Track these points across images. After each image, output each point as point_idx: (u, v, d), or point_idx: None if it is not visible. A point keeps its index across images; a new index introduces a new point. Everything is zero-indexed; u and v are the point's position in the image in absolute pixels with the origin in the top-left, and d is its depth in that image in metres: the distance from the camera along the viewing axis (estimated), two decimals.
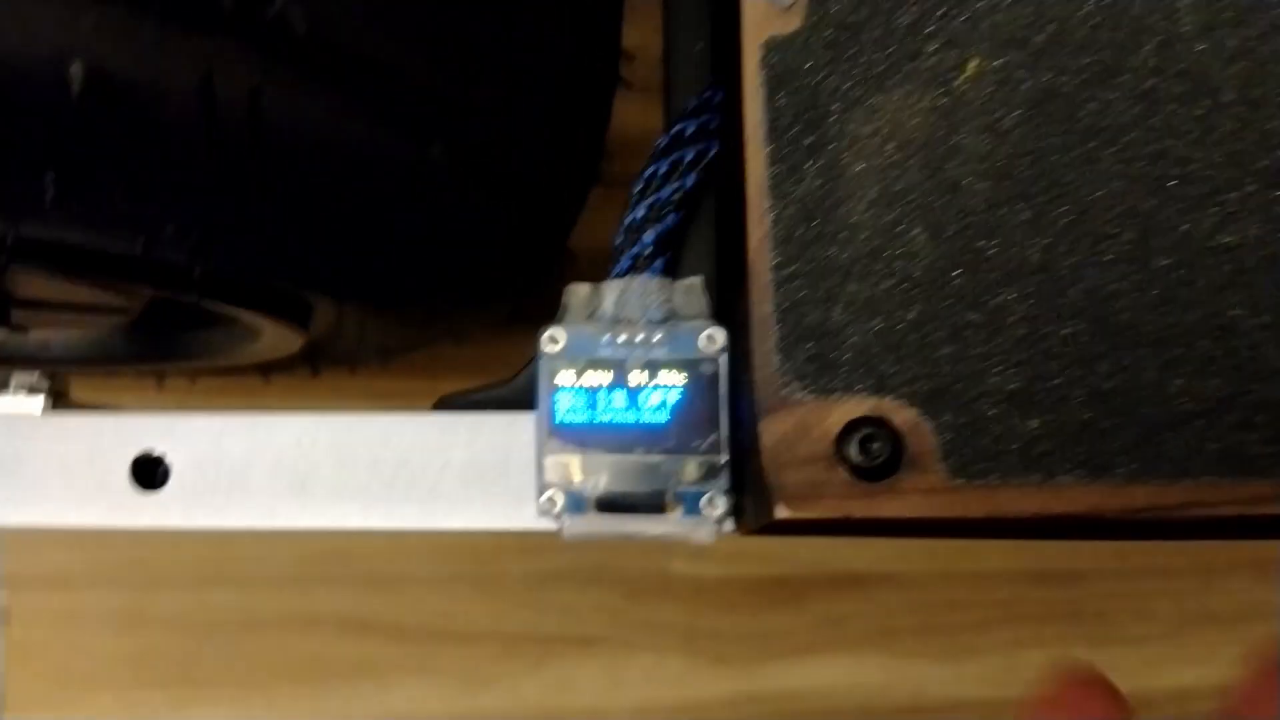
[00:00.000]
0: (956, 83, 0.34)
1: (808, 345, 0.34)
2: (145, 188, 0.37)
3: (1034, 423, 0.33)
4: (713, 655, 0.87)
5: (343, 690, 0.85)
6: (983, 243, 0.34)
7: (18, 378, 0.41)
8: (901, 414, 0.34)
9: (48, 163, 0.36)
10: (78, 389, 0.44)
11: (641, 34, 0.52)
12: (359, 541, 0.84)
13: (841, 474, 0.34)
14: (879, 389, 0.34)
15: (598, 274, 0.40)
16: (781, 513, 0.34)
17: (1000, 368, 0.34)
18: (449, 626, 0.86)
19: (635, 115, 0.55)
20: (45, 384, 0.41)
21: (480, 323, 0.62)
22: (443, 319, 0.58)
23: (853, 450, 0.33)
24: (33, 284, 0.49)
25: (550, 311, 0.38)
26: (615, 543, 0.38)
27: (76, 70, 0.33)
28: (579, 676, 0.86)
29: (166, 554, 0.85)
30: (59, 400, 0.41)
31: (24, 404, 0.41)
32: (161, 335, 0.65)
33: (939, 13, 0.34)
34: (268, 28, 0.35)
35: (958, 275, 0.34)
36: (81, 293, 0.49)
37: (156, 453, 0.39)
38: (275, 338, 0.57)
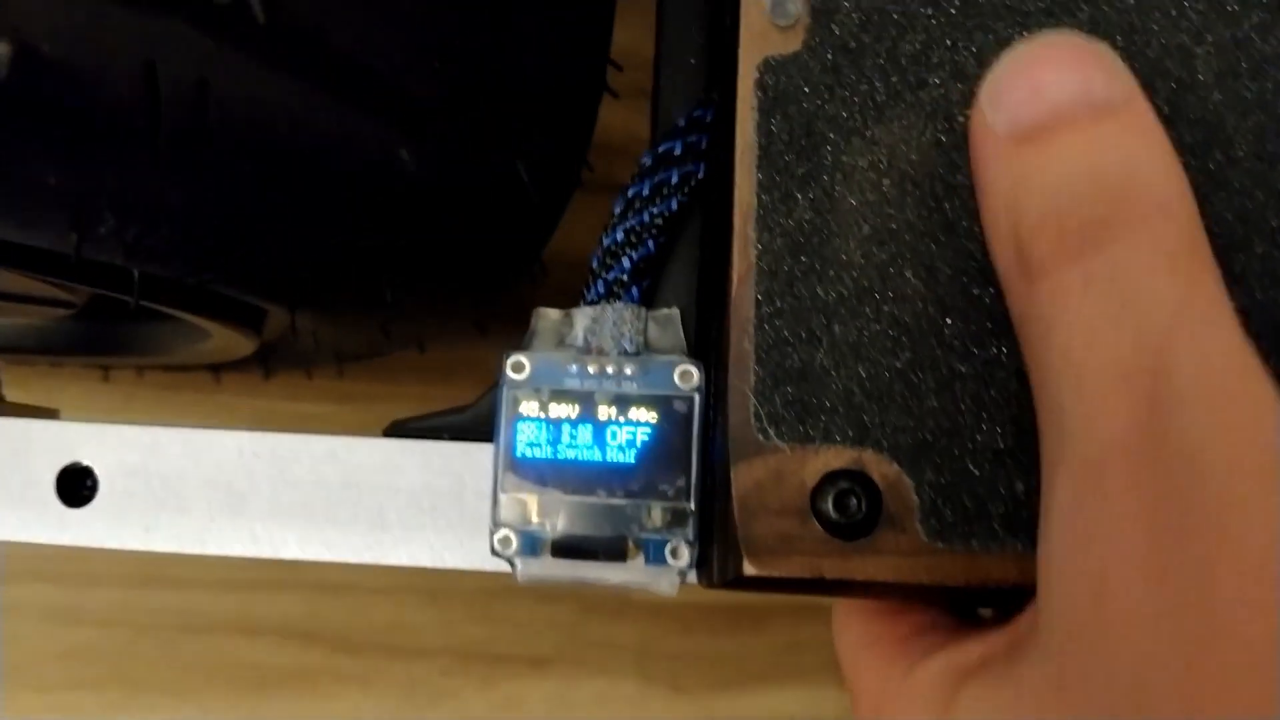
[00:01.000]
0: (960, 118, 0.32)
1: (787, 389, 0.32)
2: (78, 179, 0.35)
3: (1020, 485, 0.31)
4: (667, 680, 0.86)
5: (282, 701, 0.83)
6: (979, 290, 0.32)
7: None
8: (882, 468, 0.32)
9: None
10: (15, 385, 0.42)
11: (631, 36, 0.50)
12: None
13: (815, 530, 0.32)
14: (860, 440, 0.32)
15: (575, 280, 0.37)
16: (749, 569, 0.32)
17: (990, 424, 0.32)
18: (396, 640, 0.84)
19: (619, 119, 0.54)
20: None
21: (443, 334, 0.60)
22: (403, 328, 0.56)
23: (828, 505, 0.31)
24: None
25: (519, 320, 0.36)
26: None
27: (3, 49, 0.31)
28: (529, 696, 0.84)
29: (103, 550, 0.82)
30: None
31: None
32: (107, 330, 0.63)
33: (946, 43, 0.32)
34: (220, 12, 0.33)
35: (951, 323, 0.32)
36: (21, 284, 0.46)
37: (85, 463, 0.36)
38: (226, 340, 0.54)
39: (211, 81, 0.33)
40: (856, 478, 0.32)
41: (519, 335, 0.36)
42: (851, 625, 0.35)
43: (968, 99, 0.32)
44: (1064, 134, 0.27)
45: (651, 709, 0.85)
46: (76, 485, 0.37)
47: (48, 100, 0.32)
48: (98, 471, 0.36)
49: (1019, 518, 0.31)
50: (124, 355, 0.65)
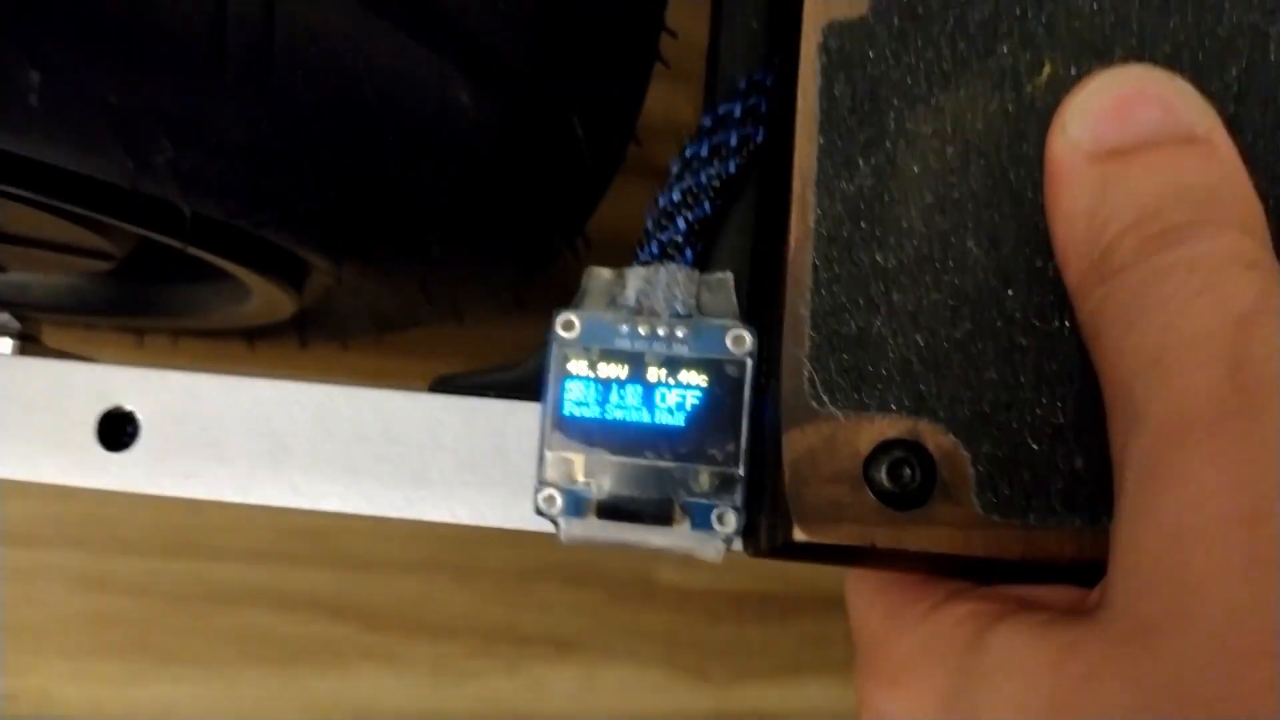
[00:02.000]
0: (1028, 87, 0.32)
1: (843, 355, 0.31)
2: (138, 100, 0.34)
3: (1080, 461, 0.30)
4: (693, 668, 0.86)
5: (307, 675, 0.83)
6: (1042, 262, 0.31)
7: None
8: (938, 439, 0.31)
9: (32, 60, 0.32)
10: (52, 338, 0.41)
11: (675, 16, 0.50)
12: (337, 520, 0.81)
13: (867, 498, 0.31)
14: (916, 410, 0.31)
15: (609, 262, 0.37)
16: (798, 535, 0.31)
17: (1049, 399, 0.31)
18: (423, 617, 0.84)
19: (659, 99, 0.53)
20: (15, 325, 0.38)
21: (483, 303, 0.59)
22: (444, 291, 0.55)
23: (882, 474, 0.31)
24: (12, 217, 0.46)
25: (556, 300, 0.36)
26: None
27: None
28: (554, 680, 0.84)
29: (134, 515, 0.83)
30: (28, 344, 0.38)
31: None
32: (146, 288, 0.62)
33: (1015, 11, 0.32)
34: None
35: (1013, 294, 0.31)
36: (64, 231, 0.46)
37: (126, 408, 0.36)
38: (266, 300, 0.54)
39: (279, 3, 0.33)
40: (911, 447, 0.31)
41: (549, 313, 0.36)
42: (869, 576, 0.35)
43: (1036, 68, 0.31)
44: (1151, 152, 0.29)
45: (677, 697, 0.85)
46: (117, 429, 0.36)
47: (112, 14, 0.32)
48: (139, 416, 0.36)
49: (1078, 494, 0.30)
50: (161, 317, 0.65)
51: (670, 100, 0.55)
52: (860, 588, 0.35)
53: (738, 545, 0.35)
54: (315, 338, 0.69)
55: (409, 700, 0.83)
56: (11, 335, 0.38)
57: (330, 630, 0.83)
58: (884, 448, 0.31)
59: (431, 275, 0.51)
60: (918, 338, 0.31)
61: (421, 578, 0.84)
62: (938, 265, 0.31)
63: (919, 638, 0.32)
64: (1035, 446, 0.31)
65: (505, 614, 0.84)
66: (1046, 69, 0.32)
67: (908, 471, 0.31)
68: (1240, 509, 0.24)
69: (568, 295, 0.36)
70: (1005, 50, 0.32)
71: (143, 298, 0.63)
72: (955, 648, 0.30)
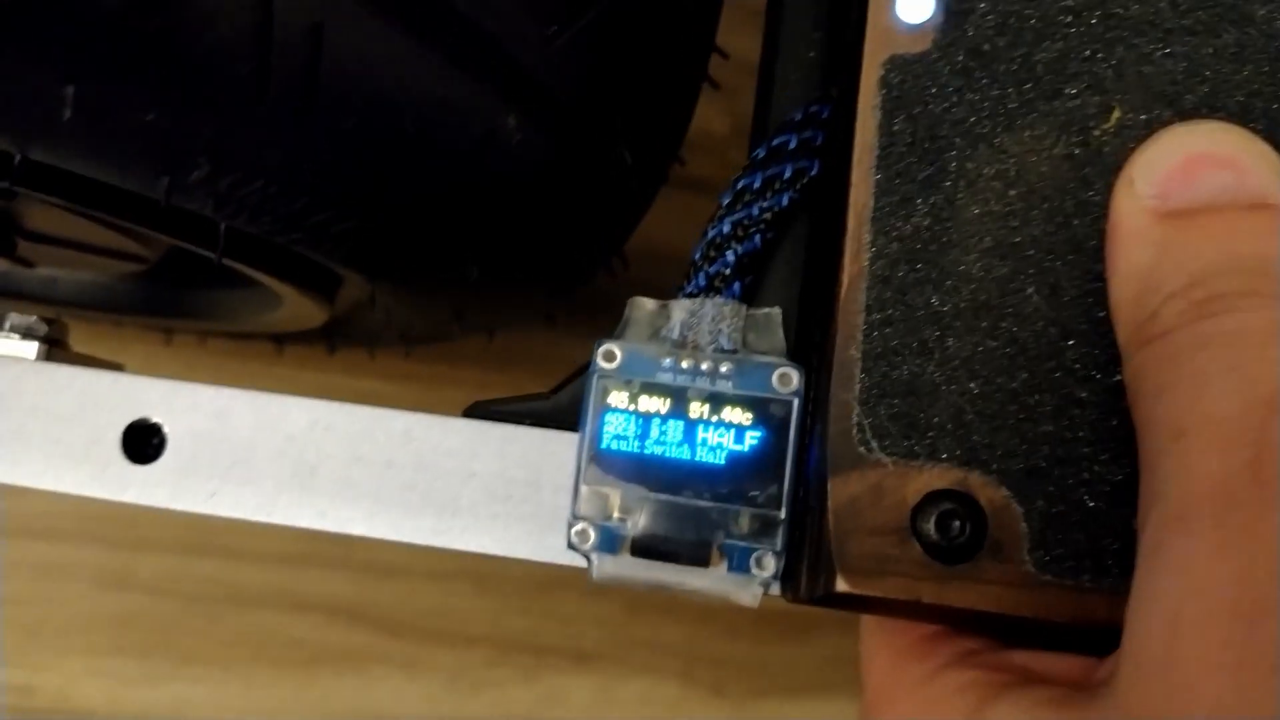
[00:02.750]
0: (1095, 132, 0.31)
1: (893, 401, 0.30)
2: (177, 119, 0.33)
3: (1138, 522, 0.29)
4: (710, 684, 0.85)
5: (325, 680, 0.83)
6: (1104, 313, 0.30)
7: (13, 318, 0.38)
8: (989, 492, 0.30)
9: (69, 75, 0.32)
10: (78, 341, 0.41)
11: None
12: None
13: (914, 551, 0.30)
14: (967, 461, 0.30)
15: (645, 275, 0.36)
16: (842, 586, 0.30)
17: (1108, 455, 0.30)
18: (443, 626, 0.84)
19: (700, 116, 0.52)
20: (43, 329, 0.37)
21: (514, 322, 0.58)
22: (477, 312, 0.54)
23: (930, 526, 0.30)
24: (44, 217, 0.45)
25: (586, 314, 0.35)
26: None
27: None
28: (571, 692, 0.84)
29: (157, 515, 0.80)
30: (55, 349, 0.37)
31: (16, 347, 0.37)
32: (177, 291, 0.62)
33: (1084, 54, 0.31)
34: None
35: (1072, 345, 0.30)
36: (96, 234, 0.45)
37: (153, 420, 0.35)
38: (297, 309, 0.53)
39: (327, 28, 0.32)
40: (961, 500, 0.30)
41: (585, 328, 0.35)
42: (881, 623, 0.34)
43: (1104, 113, 0.30)
44: (1213, 216, 0.28)
45: (693, 712, 0.84)
46: (143, 442, 0.35)
47: (153, 31, 0.31)
48: (166, 430, 0.35)
49: (1134, 555, 0.29)
50: (191, 320, 0.64)
51: (704, 112, 0.54)
52: (872, 628, 0.34)
53: (775, 590, 0.34)
54: (343, 345, 0.68)
55: (425, 707, 0.83)
56: (38, 339, 0.37)
57: (349, 635, 0.83)
58: (932, 499, 0.30)
59: (467, 297, 0.50)
60: (972, 386, 0.30)
61: (442, 585, 0.84)
62: (995, 312, 0.30)
63: (919, 701, 0.31)
64: (1092, 504, 0.30)
65: (524, 624, 0.84)
66: (1115, 114, 0.30)
67: (956, 524, 0.30)
68: (1240, 603, 0.23)
69: (597, 309, 0.35)
70: (1073, 93, 0.31)
71: (173, 300, 0.63)
72: (957, 715, 0.29)
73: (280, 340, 0.69)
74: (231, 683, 0.82)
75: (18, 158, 0.33)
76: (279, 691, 0.82)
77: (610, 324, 0.35)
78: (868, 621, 0.35)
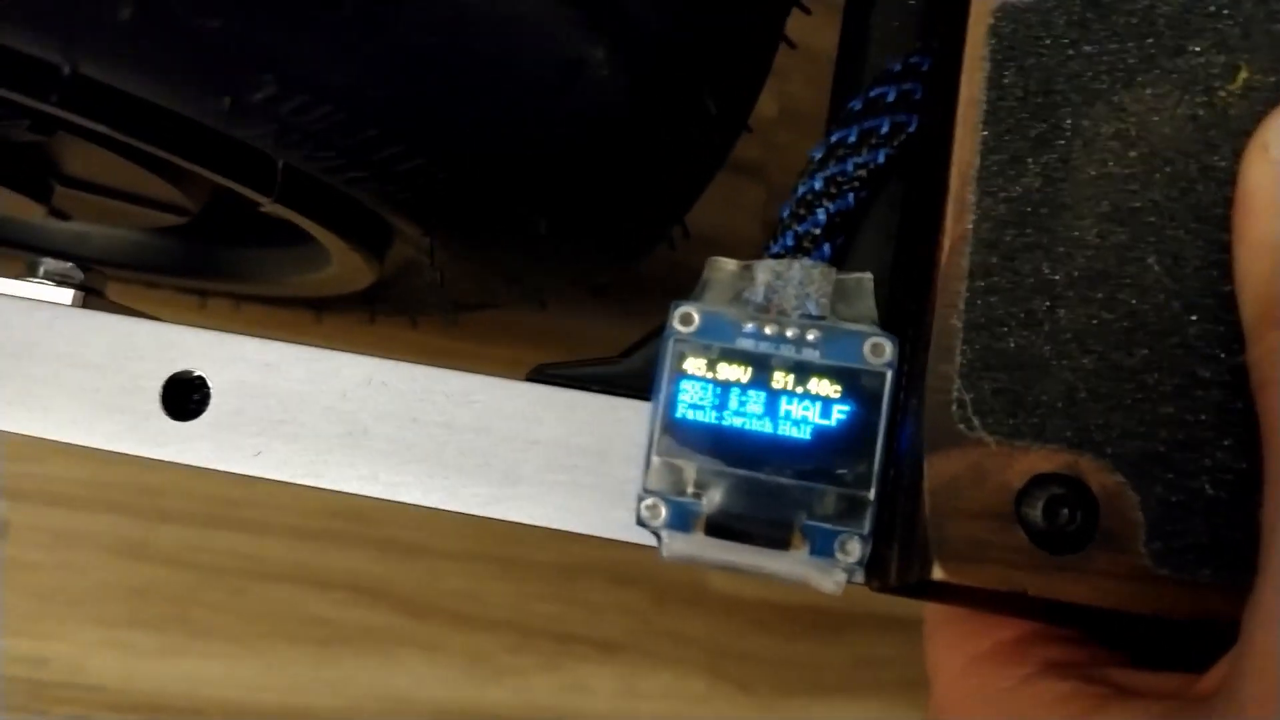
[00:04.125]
0: (1221, 93, 0.29)
1: (998, 375, 0.28)
2: (245, 25, 0.30)
3: None
4: (737, 679, 0.83)
5: (345, 659, 0.81)
6: (1230, 288, 0.28)
7: (49, 264, 0.36)
8: (1101, 477, 0.28)
9: None
10: (116, 294, 0.38)
11: None
12: (385, 503, 0.79)
13: (1018, 538, 0.28)
14: (1078, 443, 0.28)
15: (691, 261, 0.33)
16: (938, 573, 0.28)
17: (1232, 440, 0.28)
18: (466, 609, 0.82)
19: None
20: (78, 275, 0.35)
21: (570, 289, 0.56)
22: (535, 275, 0.51)
23: (1036, 512, 0.28)
24: (83, 159, 0.43)
25: (636, 290, 0.32)
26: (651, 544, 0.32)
27: None
28: (595, 682, 0.82)
29: (179, 484, 0.82)
30: (92, 298, 0.35)
31: (52, 293, 0.35)
32: (218, 248, 0.60)
33: (1209, 9, 0.29)
34: None
35: (1196, 320, 0.28)
36: (138, 179, 0.43)
37: (196, 374, 0.33)
38: (344, 268, 0.51)
39: None
40: (1070, 484, 0.28)
41: (629, 305, 0.32)
42: (954, 624, 0.33)
43: (1230, 72, 0.29)
44: None
45: (718, 708, 0.83)
46: (184, 396, 0.33)
47: None
48: (210, 384, 0.33)
49: None
50: (231, 280, 0.62)
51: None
52: (941, 631, 0.33)
53: (859, 578, 0.31)
54: (385, 313, 0.66)
55: (445, 691, 0.81)
56: (74, 286, 0.35)
57: (370, 615, 0.81)
58: (1039, 482, 0.28)
59: (528, 256, 0.47)
60: (1085, 362, 0.28)
61: (467, 568, 0.82)
62: (1112, 282, 0.29)
63: (1007, 712, 0.29)
64: (1213, 493, 0.28)
65: (549, 611, 0.82)
66: (1242, 74, 0.29)
67: (1065, 511, 0.28)
68: None
69: (647, 285, 0.33)
70: (1196, 50, 0.29)
71: (213, 259, 0.61)
72: None
73: (320, 308, 0.67)
74: (248, 659, 0.81)
75: (67, 69, 0.31)
76: (296, 669, 0.81)
77: (653, 310, 0.32)
78: (935, 623, 0.33)
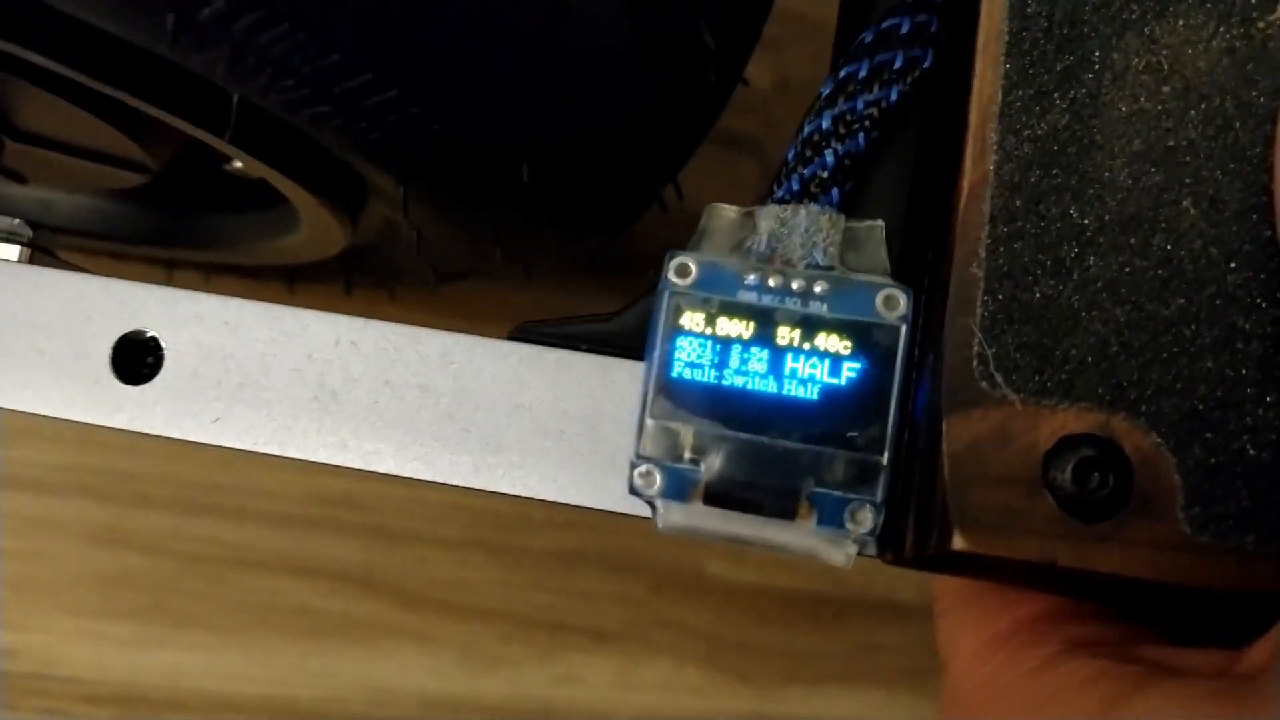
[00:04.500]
0: (1260, 24, 0.27)
1: (1023, 328, 0.26)
2: None
3: None
4: (735, 670, 0.82)
5: (329, 650, 0.79)
6: (1271, 233, 0.26)
7: None
8: (1136, 438, 0.26)
9: None
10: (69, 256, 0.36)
11: None
12: (372, 487, 0.79)
13: (1047, 504, 0.26)
14: (1111, 401, 0.26)
15: (681, 238, 0.31)
16: (959, 543, 0.26)
17: (1276, 396, 0.26)
18: (457, 598, 0.81)
19: None
20: (26, 233, 0.33)
21: (555, 255, 0.53)
22: (519, 237, 0.49)
23: (1066, 476, 0.26)
24: (33, 111, 0.41)
25: (629, 266, 0.30)
26: (648, 529, 0.29)
27: None
28: (589, 672, 0.81)
29: (156, 469, 0.80)
30: (40, 257, 0.33)
31: None
32: (184, 214, 0.57)
33: None
34: None
35: (1236, 268, 0.26)
36: (93, 133, 0.40)
37: (149, 334, 0.30)
38: (316, 231, 0.49)
39: None
40: (1103, 446, 0.26)
41: (621, 286, 0.30)
42: (969, 602, 0.31)
43: (1270, 3, 0.27)
44: None
45: (715, 699, 0.82)
46: (137, 359, 0.31)
47: None
48: (164, 344, 0.30)
49: None
50: (199, 248, 0.60)
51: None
52: (955, 609, 0.31)
53: (871, 550, 0.29)
54: (362, 283, 0.64)
55: (435, 682, 0.80)
56: (21, 243, 0.33)
57: (356, 604, 0.80)
58: (1069, 444, 0.26)
59: (509, 210, 0.44)
60: (1118, 313, 0.27)
61: (457, 555, 0.80)
62: (1146, 227, 0.27)
63: (1032, 695, 0.27)
64: (1256, 454, 0.26)
65: (542, 599, 0.81)
66: None
67: (1097, 476, 0.26)
68: None
69: (640, 266, 0.30)
70: None
71: (180, 225, 0.59)
72: (1087, 712, 0.26)
73: (293, 278, 0.65)
74: (230, 650, 0.79)
75: None
76: (280, 660, 0.79)
77: (647, 292, 0.30)
78: (948, 601, 0.31)
